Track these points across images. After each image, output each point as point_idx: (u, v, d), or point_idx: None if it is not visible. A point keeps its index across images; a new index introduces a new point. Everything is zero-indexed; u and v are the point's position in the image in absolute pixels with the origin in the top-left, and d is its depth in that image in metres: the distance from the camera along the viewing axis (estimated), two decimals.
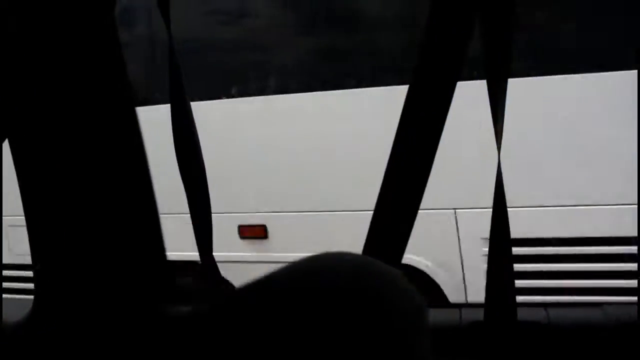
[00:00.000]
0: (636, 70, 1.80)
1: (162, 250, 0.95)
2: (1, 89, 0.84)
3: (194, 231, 0.73)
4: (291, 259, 0.29)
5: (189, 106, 0.73)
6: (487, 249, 0.65)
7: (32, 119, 0.85)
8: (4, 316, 0.95)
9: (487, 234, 0.62)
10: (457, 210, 2.21)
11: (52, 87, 0.84)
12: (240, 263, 2.28)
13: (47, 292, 0.93)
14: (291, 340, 0.21)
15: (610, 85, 1.99)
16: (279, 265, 0.28)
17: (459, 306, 0.81)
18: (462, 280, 2.24)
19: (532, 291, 2.08)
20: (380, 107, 1.88)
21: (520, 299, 0.66)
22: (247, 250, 2.47)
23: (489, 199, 0.63)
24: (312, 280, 0.25)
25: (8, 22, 0.79)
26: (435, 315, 0.30)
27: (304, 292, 0.24)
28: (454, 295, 2.25)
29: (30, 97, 0.84)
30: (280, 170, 2.38)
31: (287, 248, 2.34)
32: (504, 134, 0.62)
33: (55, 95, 0.84)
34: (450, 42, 0.61)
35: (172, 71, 0.72)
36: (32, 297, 0.95)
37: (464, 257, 2.22)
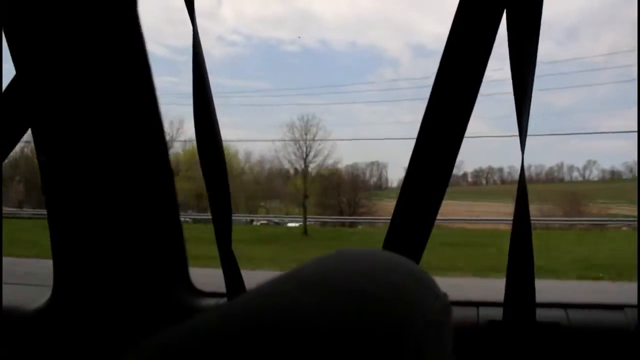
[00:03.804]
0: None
1: (180, 243, 0.95)
2: (26, 83, 0.84)
3: (214, 228, 0.72)
4: None
5: (212, 104, 0.70)
6: None
7: (55, 115, 0.86)
8: (24, 302, 0.96)
9: None
10: None
11: (75, 83, 0.84)
12: None
13: (65, 280, 0.95)
14: (317, 332, 0.21)
15: None
16: None
17: (476, 304, 0.80)
18: None
19: None
20: None
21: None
22: None
23: None
24: (337, 276, 0.25)
25: (33, 18, 0.80)
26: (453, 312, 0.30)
27: (331, 288, 0.24)
28: None
29: (53, 92, 0.84)
30: None
31: None
32: None
33: (78, 90, 0.84)
34: (477, 38, 0.60)
35: (196, 67, 0.69)
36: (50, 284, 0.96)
37: None
